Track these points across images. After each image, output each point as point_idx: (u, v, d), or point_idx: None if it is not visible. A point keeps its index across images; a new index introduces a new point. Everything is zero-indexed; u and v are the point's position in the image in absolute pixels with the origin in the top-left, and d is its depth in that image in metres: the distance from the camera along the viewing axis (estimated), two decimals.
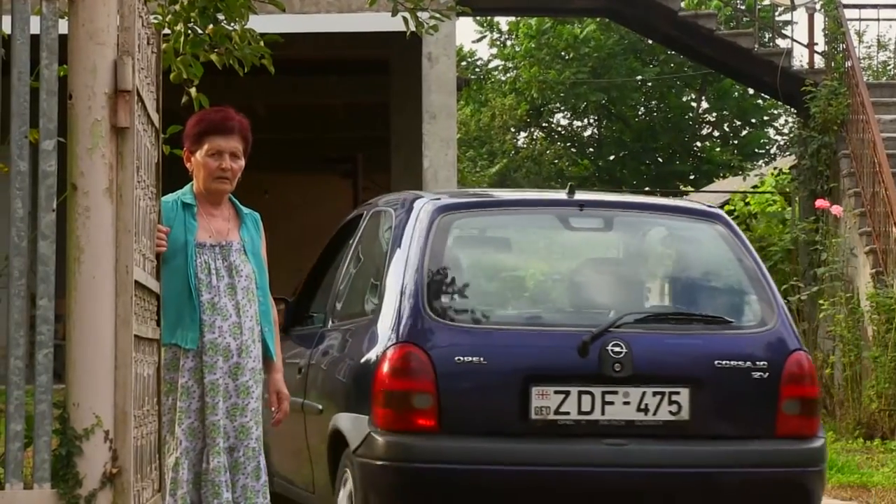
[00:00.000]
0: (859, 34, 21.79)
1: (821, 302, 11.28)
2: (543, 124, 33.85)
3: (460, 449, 3.86)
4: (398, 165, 14.24)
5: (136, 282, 3.03)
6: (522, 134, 33.52)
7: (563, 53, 30.95)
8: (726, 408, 4.06)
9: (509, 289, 4.38)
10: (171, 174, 3.84)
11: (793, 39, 14.02)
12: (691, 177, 32.05)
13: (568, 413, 3.91)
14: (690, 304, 4.37)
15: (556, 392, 3.90)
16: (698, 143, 33.62)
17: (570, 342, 3.93)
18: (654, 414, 3.95)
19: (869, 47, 23.85)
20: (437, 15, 5.19)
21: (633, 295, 4.36)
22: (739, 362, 4.06)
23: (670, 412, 3.96)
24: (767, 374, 4.06)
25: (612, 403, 3.93)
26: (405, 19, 5.19)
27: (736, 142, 32.50)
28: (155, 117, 3.49)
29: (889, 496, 6.85)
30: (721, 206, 18.84)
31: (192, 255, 3.76)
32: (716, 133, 33.78)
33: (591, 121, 34.18)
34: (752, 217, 17.18)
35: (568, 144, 34.19)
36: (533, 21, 29.72)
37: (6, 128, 2.96)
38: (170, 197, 3.82)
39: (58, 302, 2.93)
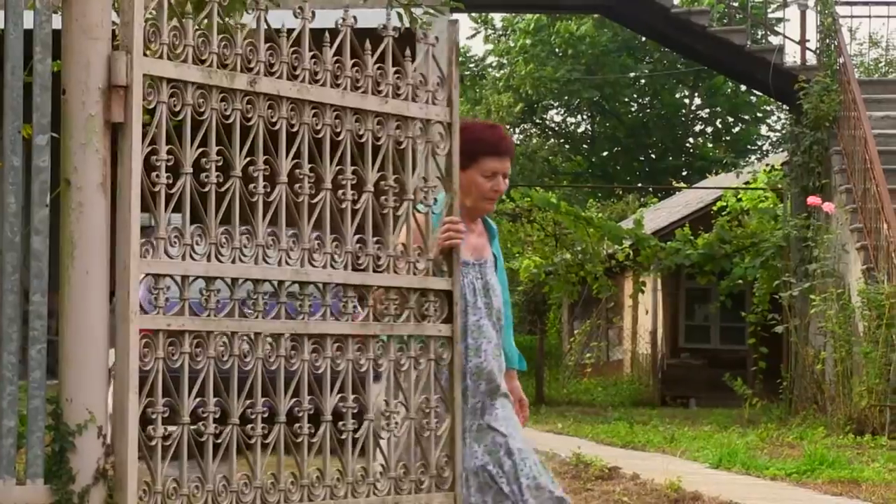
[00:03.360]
0: (851, 31, 21.83)
1: (812, 298, 11.32)
2: (537, 121, 33.87)
3: None
4: None
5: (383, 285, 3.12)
6: (517, 130, 33.55)
7: (557, 50, 30.98)
8: None
9: None
10: None
11: (785, 36, 14.05)
12: (684, 173, 32.11)
13: None
14: None
15: None
16: (691, 140, 33.67)
17: None
18: None
19: (861, 44, 23.90)
20: (431, 11, 5.20)
21: None
22: None
23: None
24: None
25: None
26: (399, 15, 5.19)
27: (728, 138, 32.56)
28: (433, 110, 3.43)
29: (879, 491, 6.87)
30: (713, 202, 18.94)
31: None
32: (708, 129, 33.83)
33: (585, 117, 34.22)
34: (745, 213, 17.23)
35: (562, 141, 34.23)
36: (532, 18, 29.70)
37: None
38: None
39: (51, 297, 2.93)
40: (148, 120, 3.00)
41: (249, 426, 3.07)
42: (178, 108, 3.01)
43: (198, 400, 2.99)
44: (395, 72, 3.44)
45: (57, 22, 2.94)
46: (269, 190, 3.16)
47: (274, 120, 3.18)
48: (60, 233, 2.91)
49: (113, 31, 3.00)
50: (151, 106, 2.98)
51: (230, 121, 3.09)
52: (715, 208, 18.28)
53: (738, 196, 17.68)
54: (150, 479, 2.90)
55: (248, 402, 3.07)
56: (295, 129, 3.23)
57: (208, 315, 3.02)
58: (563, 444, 9.05)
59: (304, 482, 3.18)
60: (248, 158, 3.13)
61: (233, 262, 3.08)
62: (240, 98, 3.11)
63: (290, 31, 3.26)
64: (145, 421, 2.93)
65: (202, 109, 3.05)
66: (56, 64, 2.95)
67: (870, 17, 13.96)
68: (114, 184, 2.96)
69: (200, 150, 3.05)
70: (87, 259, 2.88)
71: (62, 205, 2.93)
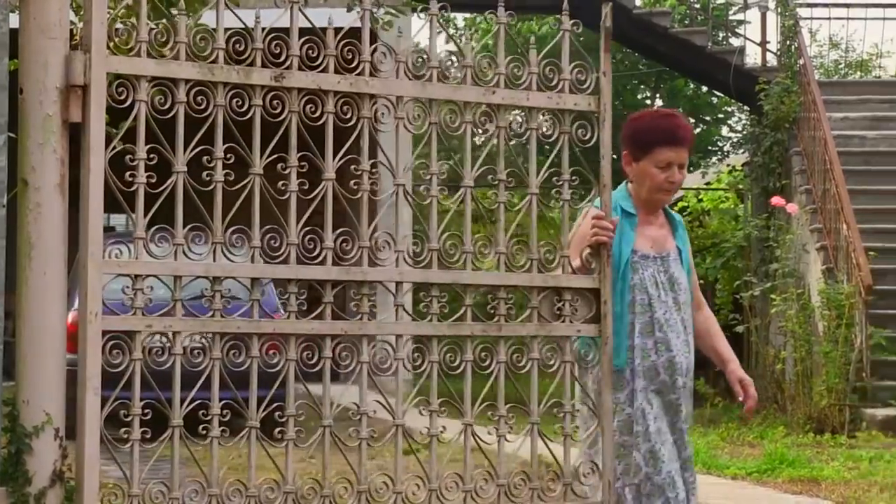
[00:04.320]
0: (812, 33, 22.03)
1: (773, 297, 11.40)
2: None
3: None
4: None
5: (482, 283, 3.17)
6: (479, 130, 33.50)
7: (519, 51, 30.98)
8: None
9: None
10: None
11: (746, 38, 14.15)
12: None
13: None
14: None
15: None
16: None
17: None
18: None
19: (821, 46, 24.14)
20: (392, 10, 5.20)
21: None
22: None
23: None
24: None
25: None
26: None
27: None
28: (570, 99, 3.40)
29: (839, 490, 6.94)
30: (675, 203, 19.03)
31: (628, 268, 3.55)
32: None
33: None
34: (706, 214, 17.34)
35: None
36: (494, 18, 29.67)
37: None
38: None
39: (8, 298, 2.90)
40: (108, 119, 2.97)
41: (277, 430, 2.98)
42: (166, 107, 2.96)
43: (197, 402, 2.93)
44: (511, 60, 3.35)
45: (14, 21, 2.91)
46: (306, 186, 3.07)
47: (316, 115, 3.09)
48: (18, 233, 2.88)
49: (72, 30, 2.98)
50: (126, 105, 2.94)
51: (246, 117, 3.01)
52: (676, 209, 18.39)
53: (699, 196, 17.79)
54: (125, 483, 2.85)
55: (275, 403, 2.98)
56: (349, 124, 3.13)
57: (212, 316, 2.96)
58: (526, 444, 9.04)
59: (362, 487, 3.04)
60: (276, 155, 3.03)
61: (251, 261, 3.01)
62: (260, 94, 3.04)
63: (247, 30, 3.21)
64: (121, 423, 2.88)
65: (202, 107, 2.98)
66: (13, 63, 2.92)
67: (829, 18, 14.09)
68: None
69: (201, 147, 2.98)
70: (45, 260, 2.86)
71: (19, 205, 2.90)
